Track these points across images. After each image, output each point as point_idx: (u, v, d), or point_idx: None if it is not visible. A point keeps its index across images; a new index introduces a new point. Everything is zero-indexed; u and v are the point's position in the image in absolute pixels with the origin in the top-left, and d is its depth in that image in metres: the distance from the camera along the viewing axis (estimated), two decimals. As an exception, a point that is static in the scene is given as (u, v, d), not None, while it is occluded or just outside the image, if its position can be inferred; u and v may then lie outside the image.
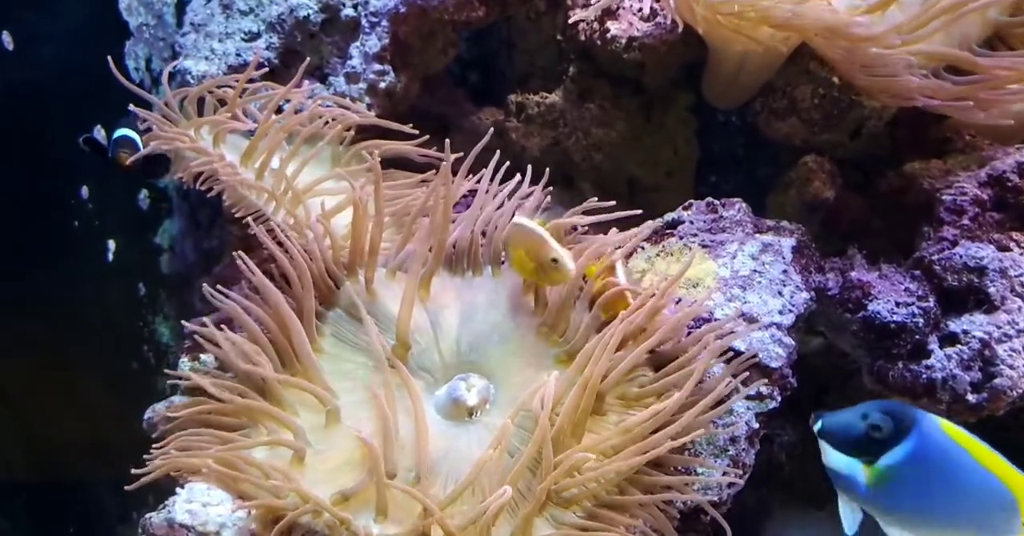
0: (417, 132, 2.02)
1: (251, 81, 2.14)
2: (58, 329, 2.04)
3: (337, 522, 1.34)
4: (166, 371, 1.66)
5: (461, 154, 1.81)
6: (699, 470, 1.56)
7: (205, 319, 1.67)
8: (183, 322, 1.68)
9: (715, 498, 1.55)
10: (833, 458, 1.37)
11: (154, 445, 1.50)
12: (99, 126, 2.08)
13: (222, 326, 1.67)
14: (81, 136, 2.01)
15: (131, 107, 1.92)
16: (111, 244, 2.16)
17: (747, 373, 1.60)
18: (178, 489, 1.44)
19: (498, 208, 1.82)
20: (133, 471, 1.45)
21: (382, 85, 2.19)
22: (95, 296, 2.15)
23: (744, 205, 1.92)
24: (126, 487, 1.44)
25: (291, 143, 1.93)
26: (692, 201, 1.94)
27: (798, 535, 2.24)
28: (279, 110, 1.96)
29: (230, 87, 1.96)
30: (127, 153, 1.87)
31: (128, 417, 1.74)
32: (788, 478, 2.15)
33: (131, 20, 2.28)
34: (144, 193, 2.30)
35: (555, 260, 1.59)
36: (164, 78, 1.99)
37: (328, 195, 1.85)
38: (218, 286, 1.71)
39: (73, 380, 2.07)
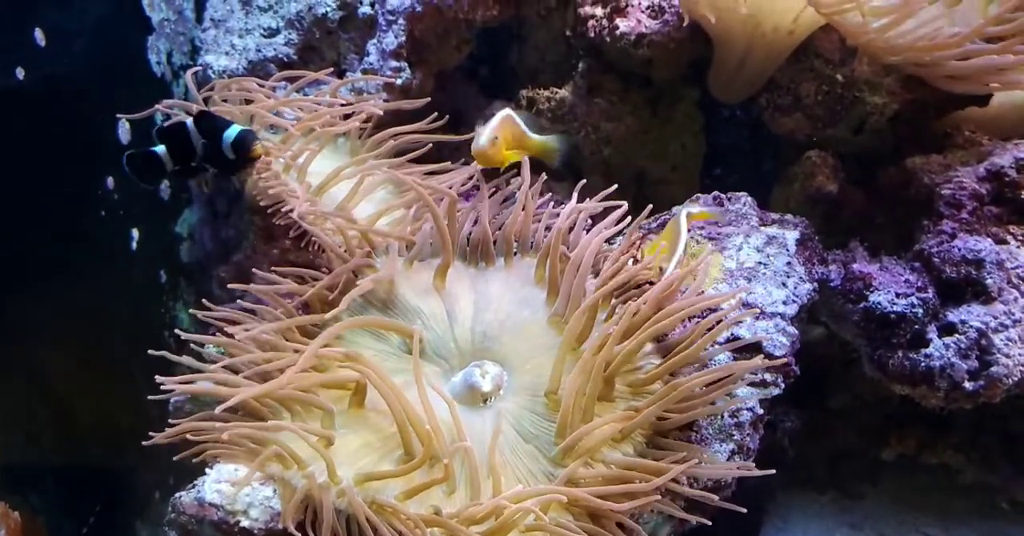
0: (435, 123, 2.08)
1: (269, 76, 2.21)
2: (85, 315, 2.08)
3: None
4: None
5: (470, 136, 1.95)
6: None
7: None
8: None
9: (720, 480, 1.60)
10: None
11: (181, 427, 1.54)
12: (123, 120, 2.13)
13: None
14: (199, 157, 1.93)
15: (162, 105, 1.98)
16: (135, 233, 2.20)
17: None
18: (207, 469, 1.49)
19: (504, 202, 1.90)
20: (181, 454, 1.51)
21: (398, 81, 2.24)
22: (120, 284, 2.20)
23: (749, 199, 1.97)
24: (174, 457, 1.50)
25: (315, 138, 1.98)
26: (699, 195, 1.99)
27: (800, 518, 2.30)
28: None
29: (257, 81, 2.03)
30: (260, 145, 1.86)
31: (152, 400, 1.77)
32: (791, 463, 2.20)
33: (153, 15, 2.33)
34: (166, 183, 2.36)
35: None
36: (189, 76, 2.04)
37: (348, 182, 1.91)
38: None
39: (99, 365, 2.11)
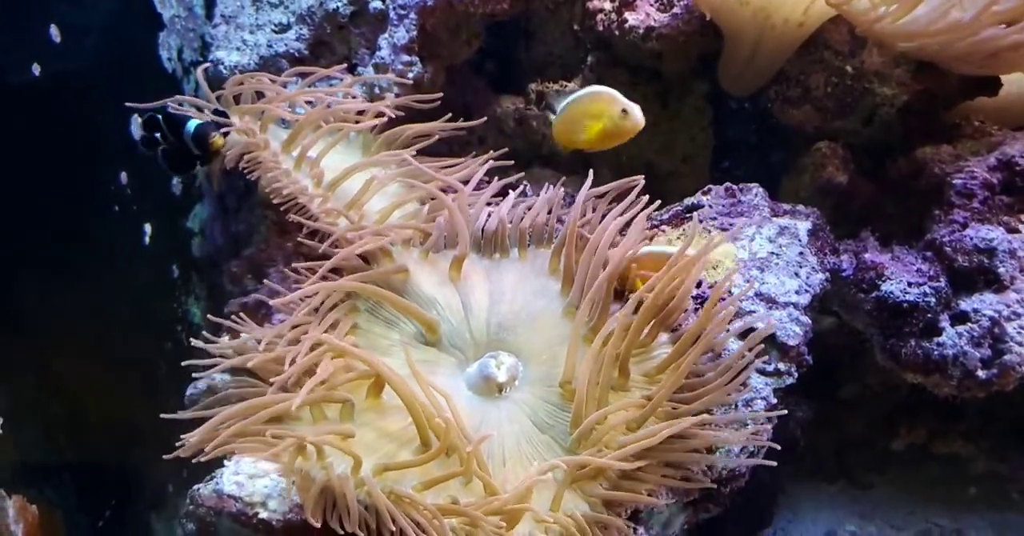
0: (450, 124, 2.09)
1: (281, 71, 2.22)
2: (98, 310, 2.08)
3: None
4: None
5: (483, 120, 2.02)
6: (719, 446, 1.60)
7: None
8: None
9: (734, 470, 1.62)
10: None
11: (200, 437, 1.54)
12: (136, 116, 2.13)
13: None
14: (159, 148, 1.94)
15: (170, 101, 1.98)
16: (147, 228, 2.21)
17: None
18: (226, 461, 1.49)
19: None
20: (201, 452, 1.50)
21: (410, 76, 2.24)
22: (132, 278, 2.20)
23: (761, 190, 1.98)
24: (194, 459, 1.49)
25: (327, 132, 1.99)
26: (711, 186, 2.00)
27: (810, 509, 2.31)
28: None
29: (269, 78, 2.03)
30: (219, 136, 1.84)
31: (165, 394, 1.77)
32: (801, 453, 2.21)
33: (164, 12, 2.33)
34: (177, 179, 2.36)
35: (624, 111, 1.85)
36: (200, 71, 2.04)
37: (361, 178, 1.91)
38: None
39: (112, 359, 2.12)
